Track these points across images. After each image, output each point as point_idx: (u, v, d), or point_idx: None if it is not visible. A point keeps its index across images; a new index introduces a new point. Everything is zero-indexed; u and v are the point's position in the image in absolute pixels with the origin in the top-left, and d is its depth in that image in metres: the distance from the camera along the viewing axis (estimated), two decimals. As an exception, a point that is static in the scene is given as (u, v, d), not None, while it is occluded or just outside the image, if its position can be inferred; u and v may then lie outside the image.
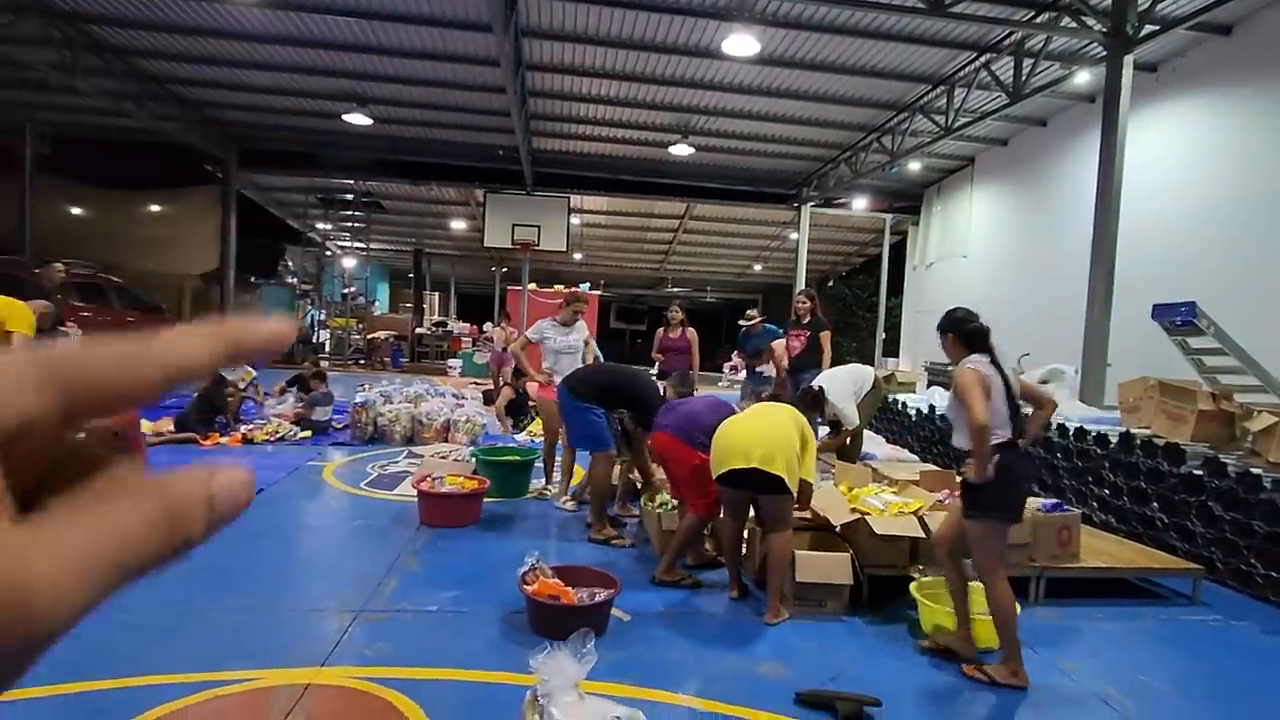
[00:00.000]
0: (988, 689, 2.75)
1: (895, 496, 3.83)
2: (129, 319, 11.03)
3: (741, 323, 8.78)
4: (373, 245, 17.77)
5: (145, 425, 5.41)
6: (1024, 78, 8.30)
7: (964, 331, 2.87)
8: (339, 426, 7.37)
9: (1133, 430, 4.86)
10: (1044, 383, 6.71)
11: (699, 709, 2.48)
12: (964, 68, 9.02)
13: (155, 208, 15.08)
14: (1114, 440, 4.91)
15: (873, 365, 15.87)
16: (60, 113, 12.30)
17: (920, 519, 3.59)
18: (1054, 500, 4.07)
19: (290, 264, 18.30)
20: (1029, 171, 11.33)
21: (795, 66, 9.21)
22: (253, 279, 15.99)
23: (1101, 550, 3.99)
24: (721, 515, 3.50)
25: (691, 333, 6.89)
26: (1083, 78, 8.52)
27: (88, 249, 12.47)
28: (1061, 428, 5.42)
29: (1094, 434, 5.10)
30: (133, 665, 2.52)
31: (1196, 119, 8.24)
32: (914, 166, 12.88)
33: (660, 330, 7.03)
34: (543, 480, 5.39)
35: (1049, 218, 10.77)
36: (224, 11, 8.40)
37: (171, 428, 6.71)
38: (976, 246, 12.89)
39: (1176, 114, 8.50)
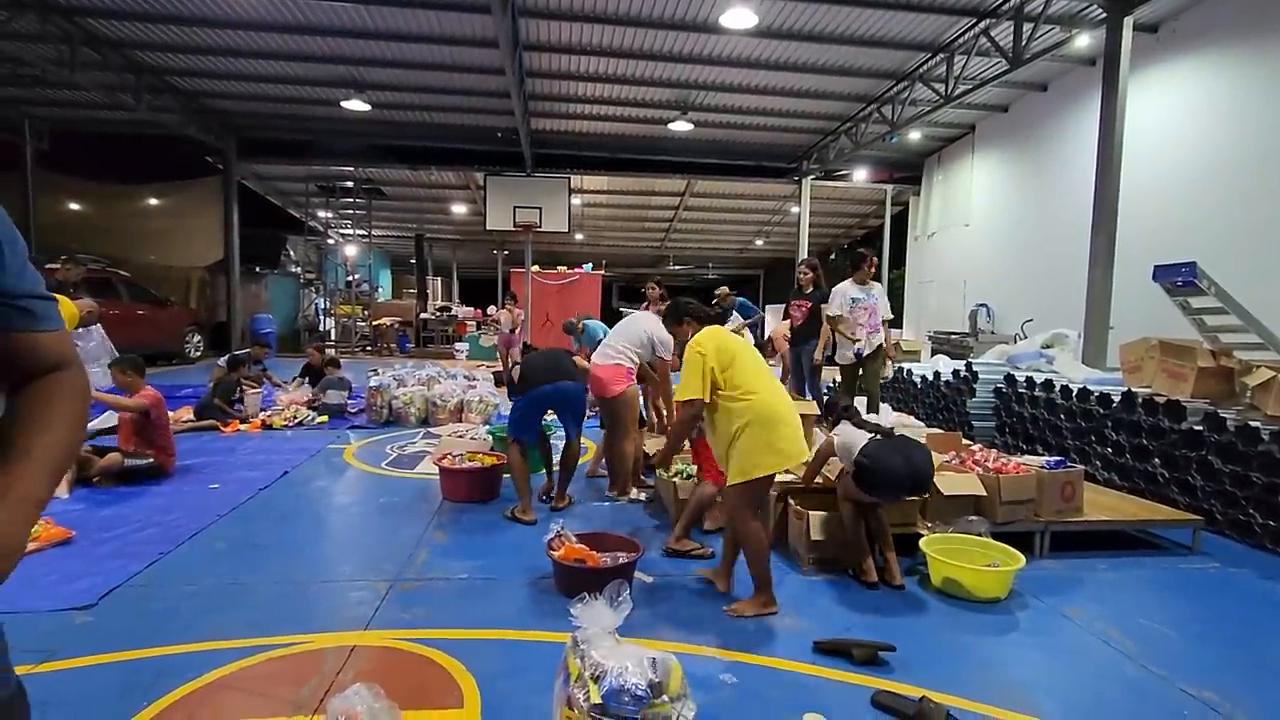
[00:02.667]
0: (994, 635, 2.89)
1: (903, 458, 3.94)
2: (139, 312, 11.16)
3: (715, 298, 9.07)
4: (374, 232, 17.81)
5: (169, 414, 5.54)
6: (1024, 42, 8.27)
7: (833, 416, 3.72)
8: (354, 411, 7.52)
9: (1134, 389, 4.97)
10: (1047, 347, 6.82)
11: (722, 658, 2.62)
12: (963, 34, 8.99)
13: (156, 201, 15.12)
14: (1116, 400, 5.02)
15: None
16: (57, 108, 12.31)
17: (928, 479, 3.72)
18: (1058, 458, 4.19)
19: (293, 253, 18.34)
20: (1030, 137, 11.30)
21: (794, 38, 9.18)
22: (257, 269, 16.06)
23: (1104, 505, 4.12)
24: (752, 520, 2.99)
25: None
26: (1083, 40, 8.49)
27: (90, 244, 12.54)
28: (1065, 389, 5.53)
29: (1096, 394, 5.21)
30: (190, 632, 2.68)
31: (1197, 79, 8.23)
32: (914, 136, 12.86)
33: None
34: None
35: (1050, 183, 10.78)
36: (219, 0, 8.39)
37: (191, 416, 6.86)
38: (978, 214, 12.90)
39: (1177, 75, 8.48)
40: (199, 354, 12.98)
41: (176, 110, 11.65)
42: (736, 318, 9.95)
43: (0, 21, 8.10)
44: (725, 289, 9.83)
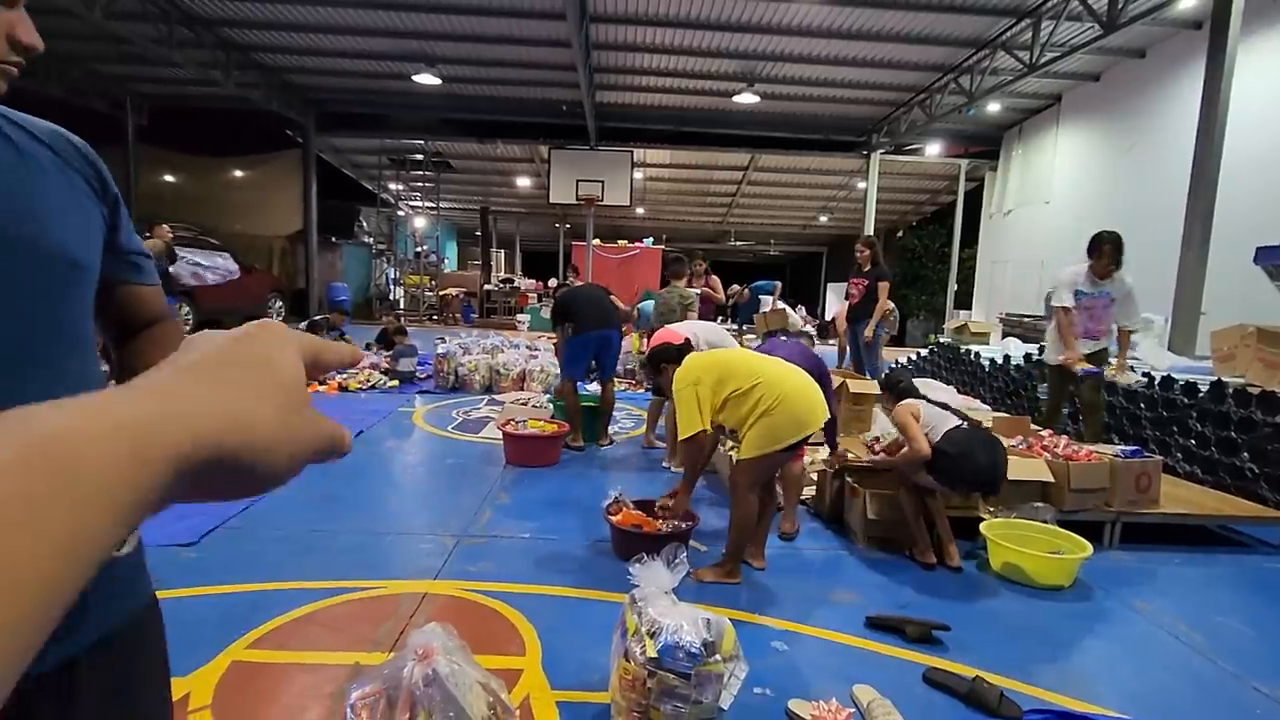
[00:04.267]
0: (1054, 622, 2.84)
1: (967, 441, 3.86)
2: (227, 278, 11.86)
3: (730, 297, 9.25)
4: (442, 205, 18.26)
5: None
6: (1120, 5, 7.71)
7: (896, 390, 3.56)
8: (423, 376, 7.84)
9: (1225, 379, 4.68)
10: (1131, 332, 6.47)
11: (774, 626, 2.68)
12: (1053, -3, 8.44)
13: (242, 173, 15.92)
14: (1203, 389, 4.75)
15: (943, 318, 15.41)
16: (155, 84, 13.05)
17: (992, 462, 3.64)
18: (1134, 448, 4.02)
19: (365, 224, 19.03)
20: (1123, 108, 10.57)
21: (867, 5, 8.83)
22: (333, 239, 16.75)
23: (1183, 498, 3.94)
24: (749, 492, 3.01)
25: (714, 280, 7.73)
26: (1188, 1, 7.85)
27: (184, 213, 13.34)
28: (1147, 376, 5.26)
29: (1181, 383, 4.94)
30: (279, 572, 2.92)
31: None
32: (993, 108, 12.22)
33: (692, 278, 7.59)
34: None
35: (1143, 158, 10.09)
36: (301, -23, 8.69)
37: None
38: (1060, 191, 12.20)
39: (1296, 38, 7.75)
40: (280, 319, 13.72)
41: (261, 86, 12.18)
42: (767, 300, 9.90)
43: (106, 1, 8.62)
44: (737, 286, 10.00)
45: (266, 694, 2.13)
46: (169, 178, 15.26)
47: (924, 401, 3.46)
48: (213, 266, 10.57)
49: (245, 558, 3.05)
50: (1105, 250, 4.65)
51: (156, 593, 0.97)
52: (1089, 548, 3.16)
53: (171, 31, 9.59)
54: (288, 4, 9.47)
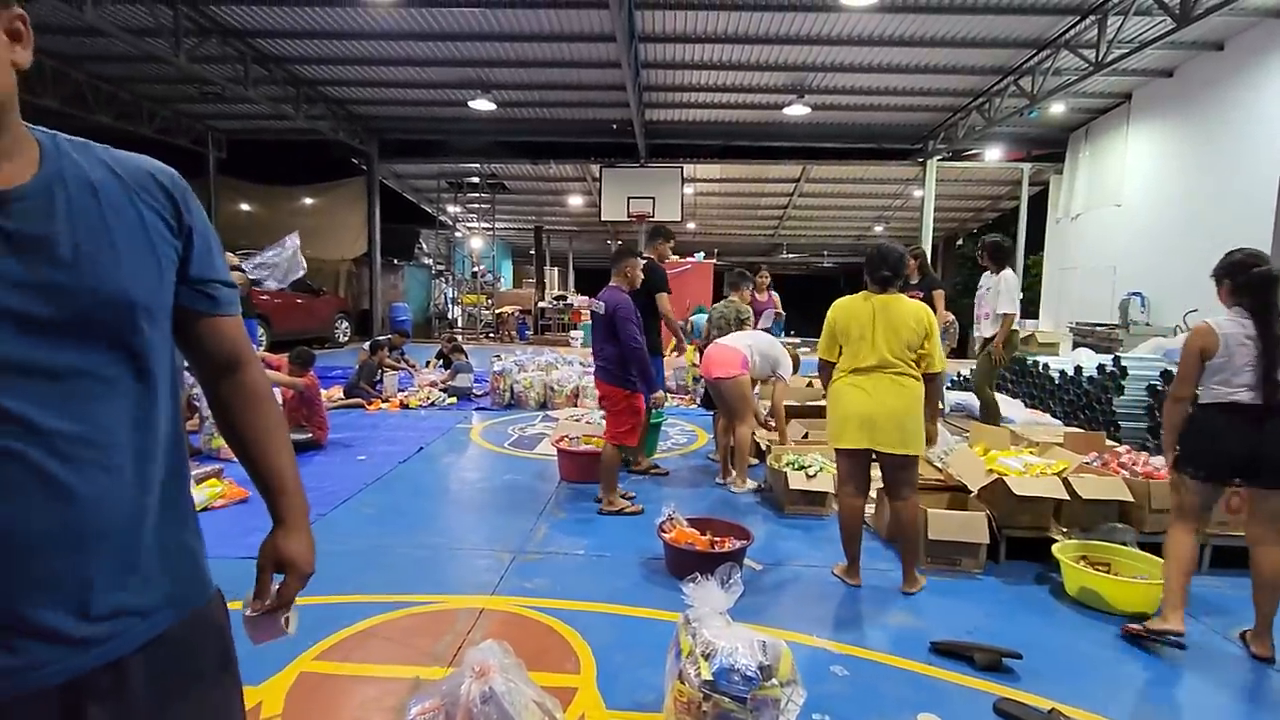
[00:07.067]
0: (1139, 652, 2.66)
1: (1036, 458, 3.70)
2: (297, 300, 12.46)
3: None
4: (497, 225, 18.75)
5: (322, 392, 6.20)
6: (1195, -3, 7.33)
7: (1236, 282, 2.61)
8: (479, 394, 8.02)
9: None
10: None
11: (833, 650, 2.60)
12: (1120, -8, 8.10)
13: (310, 200, 16.73)
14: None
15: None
16: (232, 120, 13.92)
17: (1065, 480, 3.46)
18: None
19: (425, 246, 19.69)
20: (1199, 103, 10.01)
21: (921, 11, 8.66)
22: (395, 261, 17.38)
23: (1281, 519, 3.65)
24: (838, 489, 3.29)
25: (774, 295, 7.59)
26: (1271, -11, 7.40)
27: (258, 239, 14.10)
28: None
29: (1276, 395, 4.59)
30: (344, 585, 3.01)
31: None
32: (1057, 109, 11.77)
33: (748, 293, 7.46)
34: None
35: (1223, 155, 9.51)
36: (363, 14, 9.13)
37: (341, 395, 7.61)
38: (1132, 193, 11.61)
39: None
40: (346, 339, 14.29)
41: (328, 117, 12.82)
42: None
43: (190, 46, 9.27)
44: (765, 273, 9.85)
45: (332, 705, 2.20)
46: (245, 206, 16.17)
47: (1237, 327, 2.50)
48: (278, 254, 11.18)
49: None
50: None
51: (232, 604, 1.02)
52: (1175, 572, 2.95)
53: (247, 71, 10.22)
54: (354, 39, 9.97)
